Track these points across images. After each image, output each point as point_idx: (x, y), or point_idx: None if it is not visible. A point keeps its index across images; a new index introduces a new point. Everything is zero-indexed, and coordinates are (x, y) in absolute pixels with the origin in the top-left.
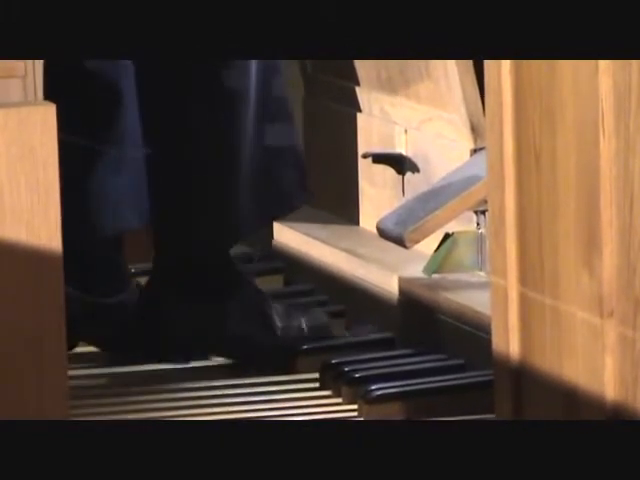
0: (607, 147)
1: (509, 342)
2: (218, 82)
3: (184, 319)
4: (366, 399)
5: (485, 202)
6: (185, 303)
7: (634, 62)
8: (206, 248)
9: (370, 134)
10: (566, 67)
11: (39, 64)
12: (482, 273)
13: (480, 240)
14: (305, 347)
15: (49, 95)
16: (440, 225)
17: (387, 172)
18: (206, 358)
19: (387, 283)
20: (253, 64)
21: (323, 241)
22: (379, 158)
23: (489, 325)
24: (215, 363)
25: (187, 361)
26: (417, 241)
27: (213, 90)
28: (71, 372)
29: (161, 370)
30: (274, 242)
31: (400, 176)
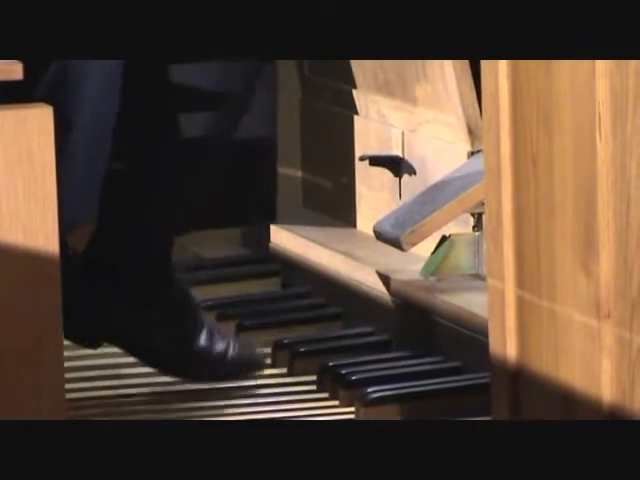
0: (604, 149)
1: (506, 344)
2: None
3: (104, 311)
4: (363, 402)
5: (482, 204)
6: (111, 298)
7: (631, 64)
8: (148, 247)
9: (367, 137)
10: (563, 69)
11: None
12: (479, 275)
13: (477, 242)
14: (302, 349)
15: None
16: (437, 227)
17: (384, 175)
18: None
19: (384, 286)
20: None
21: (320, 244)
22: (376, 161)
23: (486, 327)
24: None
25: (94, 346)
26: (414, 244)
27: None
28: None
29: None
30: (271, 244)
31: (397, 179)
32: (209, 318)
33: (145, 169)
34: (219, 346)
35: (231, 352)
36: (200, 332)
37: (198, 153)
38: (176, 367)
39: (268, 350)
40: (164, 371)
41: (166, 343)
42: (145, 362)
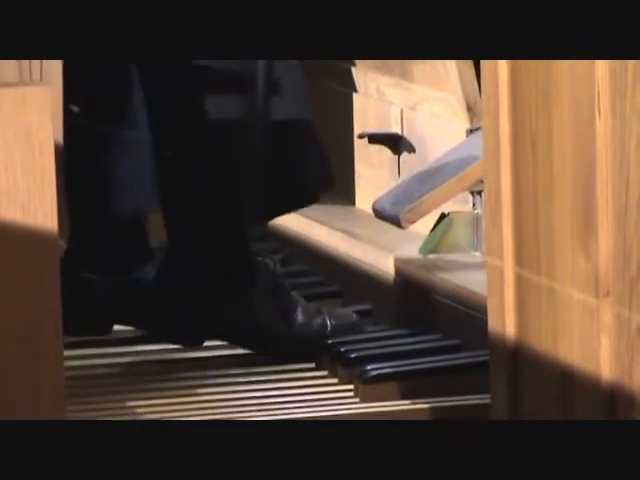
0: (603, 128)
1: (505, 322)
2: (228, 73)
3: (200, 304)
4: (362, 379)
5: (481, 182)
6: (202, 289)
7: None
8: (221, 236)
9: (366, 114)
10: None
11: None
12: (478, 253)
13: (476, 220)
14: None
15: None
16: (436, 205)
17: (383, 152)
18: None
19: (383, 263)
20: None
21: (319, 222)
22: (375, 138)
23: (485, 305)
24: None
25: (200, 344)
26: (413, 221)
27: (224, 80)
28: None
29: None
30: (270, 223)
31: (396, 156)
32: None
33: (191, 155)
34: (318, 320)
35: (329, 323)
36: (296, 309)
37: (239, 137)
38: (279, 346)
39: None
40: (269, 351)
41: (272, 323)
42: (248, 347)
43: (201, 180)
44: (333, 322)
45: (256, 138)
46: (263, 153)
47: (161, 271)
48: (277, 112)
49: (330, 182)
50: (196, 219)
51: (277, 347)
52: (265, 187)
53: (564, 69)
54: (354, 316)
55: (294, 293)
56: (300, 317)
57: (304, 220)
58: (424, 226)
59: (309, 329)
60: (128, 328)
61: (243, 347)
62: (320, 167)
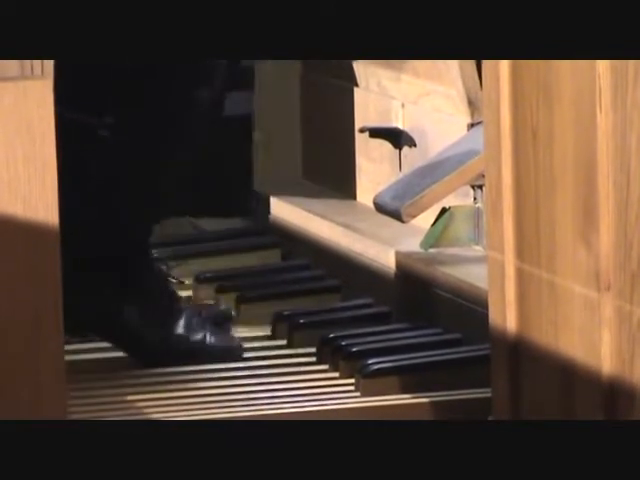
0: (604, 122)
1: (506, 316)
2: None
3: (87, 302)
4: (363, 373)
5: (482, 176)
6: (94, 287)
7: None
8: (123, 236)
9: (367, 108)
10: None
11: None
12: (479, 247)
13: (477, 214)
14: (302, 321)
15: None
16: (437, 199)
17: (384, 146)
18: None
19: (384, 257)
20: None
21: (320, 215)
22: (376, 132)
23: (486, 299)
24: None
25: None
26: (414, 215)
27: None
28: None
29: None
30: (271, 216)
31: (397, 150)
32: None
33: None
34: (196, 335)
35: (208, 341)
36: (178, 320)
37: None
38: (153, 354)
39: (268, 322)
40: (142, 358)
41: (145, 330)
42: (123, 349)
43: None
44: (212, 341)
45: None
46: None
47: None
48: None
49: (245, 208)
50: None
51: (145, 352)
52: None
53: (565, 63)
54: (236, 340)
55: (185, 305)
56: (180, 328)
57: (304, 214)
58: (425, 220)
59: (184, 342)
60: None
61: (120, 348)
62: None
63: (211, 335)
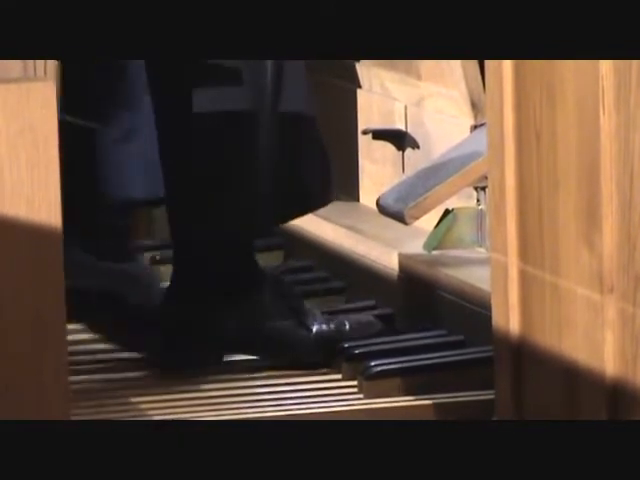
0: (607, 123)
1: (509, 318)
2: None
3: (200, 319)
4: (366, 375)
5: (485, 178)
6: (202, 302)
7: None
8: (224, 246)
9: (370, 110)
10: None
11: None
12: (482, 249)
13: (480, 216)
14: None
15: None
16: (440, 201)
17: (387, 148)
18: (220, 360)
19: (387, 259)
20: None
21: (323, 217)
22: (379, 134)
23: (489, 301)
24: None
25: (203, 365)
26: (417, 217)
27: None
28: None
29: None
30: None
31: (400, 152)
32: None
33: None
34: (333, 323)
35: (348, 325)
36: (309, 315)
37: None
38: (300, 350)
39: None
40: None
41: (287, 328)
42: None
43: (206, 179)
44: (352, 324)
45: (263, 136)
46: (268, 152)
47: (170, 286)
48: (283, 107)
49: (329, 195)
50: (196, 218)
51: (293, 350)
52: (272, 193)
53: (568, 65)
54: (370, 316)
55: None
56: (315, 322)
57: (308, 216)
58: (428, 222)
59: (325, 333)
60: None
61: (260, 356)
62: (322, 175)
63: (347, 320)
